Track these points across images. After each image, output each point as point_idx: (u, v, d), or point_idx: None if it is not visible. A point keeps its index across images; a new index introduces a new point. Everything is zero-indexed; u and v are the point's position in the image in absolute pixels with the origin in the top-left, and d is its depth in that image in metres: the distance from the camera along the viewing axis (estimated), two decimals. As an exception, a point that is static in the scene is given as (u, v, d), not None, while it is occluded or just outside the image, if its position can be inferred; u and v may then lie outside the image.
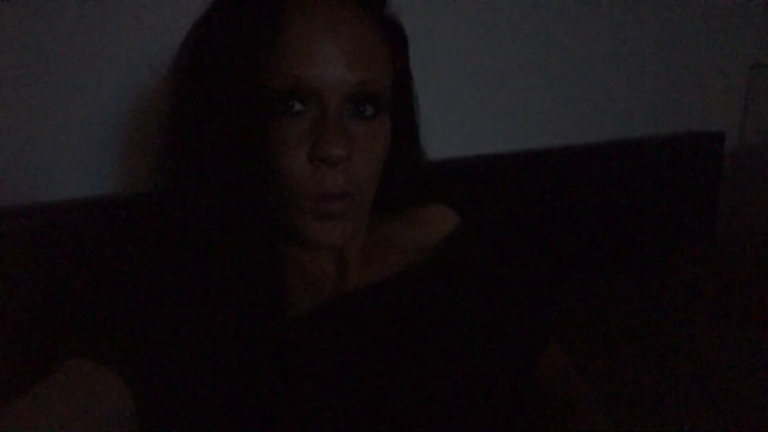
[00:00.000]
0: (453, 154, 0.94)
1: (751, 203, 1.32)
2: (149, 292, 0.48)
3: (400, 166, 0.54)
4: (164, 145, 0.49)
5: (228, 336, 0.45)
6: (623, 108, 1.15)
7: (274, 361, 0.46)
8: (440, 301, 0.53)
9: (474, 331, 0.53)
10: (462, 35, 0.95)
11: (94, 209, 0.67)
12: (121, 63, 0.71)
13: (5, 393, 0.43)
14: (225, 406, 0.44)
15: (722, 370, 0.82)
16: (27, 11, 0.66)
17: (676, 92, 1.21)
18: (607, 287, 1.00)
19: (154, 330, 0.45)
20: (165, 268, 0.49)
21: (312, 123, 0.45)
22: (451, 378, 0.49)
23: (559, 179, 1.03)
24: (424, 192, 0.62)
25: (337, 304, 0.52)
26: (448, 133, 0.96)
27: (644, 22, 1.12)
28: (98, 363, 0.42)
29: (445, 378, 0.49)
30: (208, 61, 0.45)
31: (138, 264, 0.50)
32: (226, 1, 0.47)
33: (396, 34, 0.51)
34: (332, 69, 0.44)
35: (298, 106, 0.45)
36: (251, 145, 0.44)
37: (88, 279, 0.63)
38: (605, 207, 1.09)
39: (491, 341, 0.53)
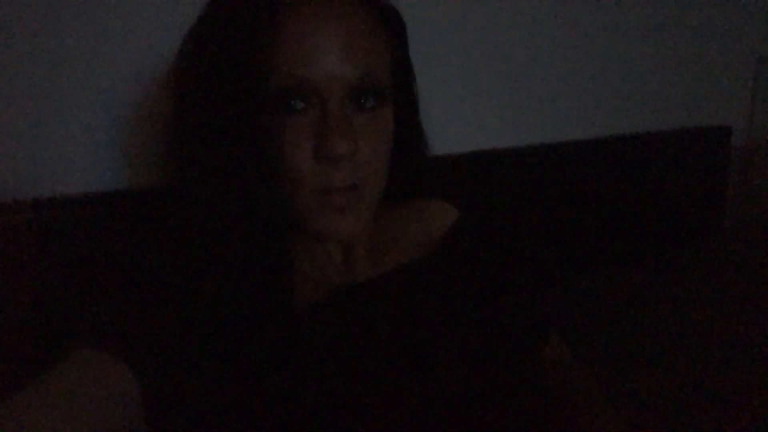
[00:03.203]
0: (456, 149, 0.94)
1: (758, 198, 1.31)
2: (155, 282, 0.48)
3: (403, 155, 0.55)
4: (169, 144, 0.50)
5: (236, 325, 0.45)
6: (629, 103, 1.15)
7: (281, 351, 0.46)
8: (444, 294, 0.54)
9: (477, 323, 0.53)
10: (464, 30, 0.95)
11: (99, 203, 0.68)
12: (124, 58, 0.72)
13: (13, 383, 0.43)
14: (231, 396, 0.44)
15: (728, 365, 0.82)
16: (31, 7, 0.66)
17: (683, 86, 1.20)
18: (612, 283, 1.00)
19: (160, 320, 0.45)
20: (171, 259, 0.49)
21: (315, 119, 0.45)
22: (456, 369, 0.49)
23: (565, 174, 1.03)
24: (426, 186, 0.63)
25: (344, 295, 0.52)
26: (450, 128, 0.96)
27: (649, 15, 1.12)
28: (105, 352, 0.42)
29: (450, 369, 0.49)
30: (207, 63, 0.45)
31: (144, 256, 0.51)
32: (221, 2, 0.47)
33: (394, 20, 0.51)
34: (331, 65, 0.44)
35: (299, 104, 0.45)
36: (255, 146, 0.44)
37: (95, 271, 0.63)
38: (611, 202, 1.09)
39: (494, 333, 0.53)
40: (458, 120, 0.97)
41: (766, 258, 1.11)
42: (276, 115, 0.44)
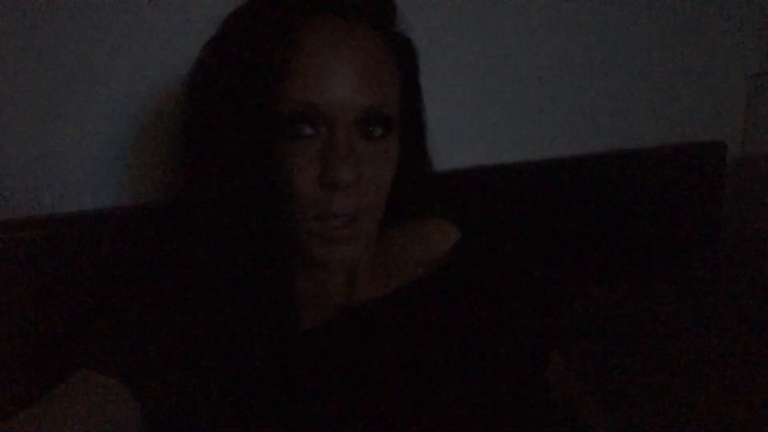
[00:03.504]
0: (457, 165, 0.94)
1: (754, 212, 1.32)
2: (157, 304, 0.48)
3: (407, 179, 0.55)
4: (175, 163, 0.50)
5: (238, 348, 0.45)
6: (623, 118, 1.15)
7: (284, 373, 0.46)
8: (446, 314, 0.54)
9: (478, 343, 0.53)
10: (466, 46, 0.96)
11: (99, 221, 0.67)
12: (128, 74, 0.72)
13: (12, 404, 0.43)
14: (233, 417, 0.44)
15: (726, 379, 0.82)
16: (35, 20, 0.66)
17: (677, 102, 1.21)
18: (609, 298, 1.00)
19: (162, 342, 0.45)
20: (173, 280, 0.49)
21: (321, 146, 0.45)
22: (459, 390, 0.49)
23: (560, 190, 1.03)
24: (430, 203, 0.63)
25: (347, 317, 0.52)
26: (452, 143, 0.96)
27: (643, 31, 1.13)
28: (106, 374, 0.42)
29: (453, 390, 0.49)
30: (219, 86, 0.46)
31: (145, 276, 0.51)
32: (236, 24, 0.47)
33: (406, 49, 0.52)
34: (342, 93, 0.44)
35: (308, 130, 0.45)
36: (261, 169, 0.44)
37: (96, 290, 0.63)
38: (607, 217, 1.09)
39: (495, 353, 0.53)
40: (457, 135, 0.98)
41: (762, 272, 1.11)
42: (284, 139, 0.45)
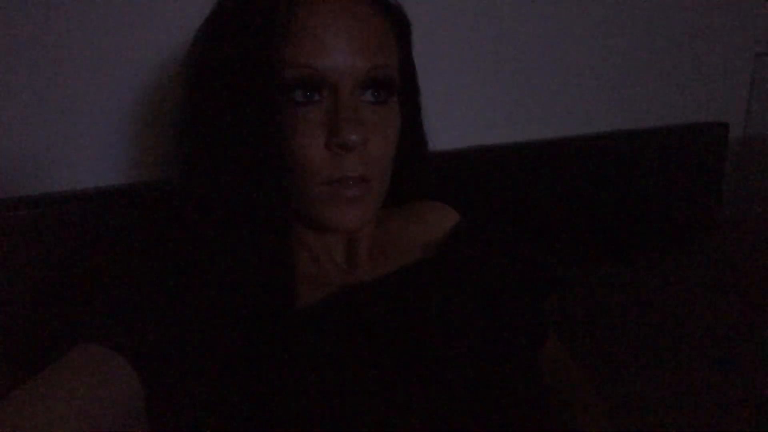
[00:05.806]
0: (454, 145, 0.94)
1: (755, 194, 1.32)
2: (158, 278, 0.48)
3: (404, 155, 0.55)
4: (178, 135, 0.50)
5: (237, 325, 0.46)
6: (625, 99, 1.15)
7: (281, 352, 0.46)
8: (444, 296, 0.54)
9: (477, 325, 0.53)
10: (464, 25, 0.95)
11: (102, 199, 0.68)
12: (129, 53, 0.72)
13: (15, 378, 0.43)
14: (231, 395, 0.44)
15: (724, 362, 0.82)
16: (47, 4, 0.66)
17: (680, 83, 1.20)
18: (608, 279, 1.00)
19: (163, 316, 0.46)
20: (175, 255, 0.50)
21: (327, 110, 0.46)
22: (455, 372, 0.49)
23: (561, 170, 1.03)
24: (426, 186, 0.63)
25: (345, 296, 0.52)
26: (449, 124, 0.96)
27: (647, 11, 1.12)
28: (107, 348, 0.42)
29: (449, 370, 0.49)
30: (222, 55, 0.46)
31: (148, 251, 0.51)
32: None
33: (400, 19, 0.52)
34: (344, 57, 0.45)
35: (313, 95, 0.46)
36: (267, 137, 0.45)
37: (98, 266, 0.63)
38: (607, 199, 1.09)
39: (493, 335, 0.53)
40: (453, 116, 0.97)
41: (762, 254, 1.11)
42: (289, 107, 0.45)
